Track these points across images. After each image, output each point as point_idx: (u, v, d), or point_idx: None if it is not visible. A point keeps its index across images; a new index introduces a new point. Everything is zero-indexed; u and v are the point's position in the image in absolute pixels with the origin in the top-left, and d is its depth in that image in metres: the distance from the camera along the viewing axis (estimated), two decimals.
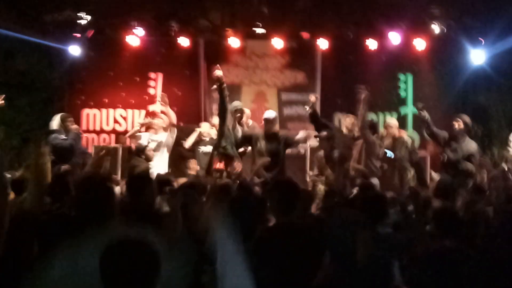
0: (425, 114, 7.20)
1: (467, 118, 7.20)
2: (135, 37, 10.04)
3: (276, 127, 7.54)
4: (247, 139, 7.42)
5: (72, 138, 7.79)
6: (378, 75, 10.32)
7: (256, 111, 10.75)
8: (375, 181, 6.79)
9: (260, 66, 10.95)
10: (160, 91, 10.80)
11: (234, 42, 10.20)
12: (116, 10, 9.88)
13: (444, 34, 9.87)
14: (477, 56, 9.86)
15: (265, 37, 10.32)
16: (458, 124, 7.06)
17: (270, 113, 7.47)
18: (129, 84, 10.78)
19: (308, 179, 8.15)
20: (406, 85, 10.83)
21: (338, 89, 10.46)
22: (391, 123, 8.15)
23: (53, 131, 7.85)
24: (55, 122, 7.98)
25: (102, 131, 10.89)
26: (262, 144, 7.15)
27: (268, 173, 6.88)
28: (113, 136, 10.98)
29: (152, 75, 10.92)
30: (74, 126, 8.17)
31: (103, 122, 10.98)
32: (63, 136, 7.73)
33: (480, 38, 9.81)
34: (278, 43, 10.20)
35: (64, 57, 10.24)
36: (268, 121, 7.31)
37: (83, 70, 10.64)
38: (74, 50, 10.08)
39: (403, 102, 10.81)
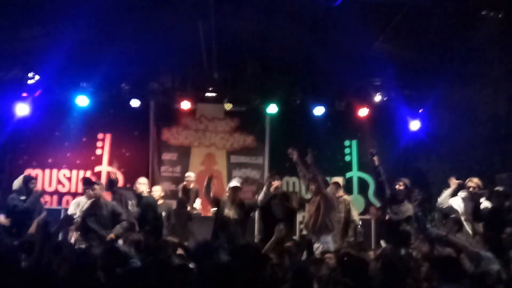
0: (376, 160, 7.43)
1: (407, 181, 7.50)
2: (84, 98, 9.97)
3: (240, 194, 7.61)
4: (215, 202, 7.46)
5: (31, 201, 7.52)
6: (325, 140, 10.67)
7: (205, 173, 10.79)
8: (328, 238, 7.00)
9: (209, 128, 11.09)
10: (108, 152, 10.69)
11: (184, 104, 10.33)
12: (65, 70, 9.81)
13: (386, 103, 10.44)
14: (415, 124, 10.44)
15: (215, 101, 10.54)
16: (399, 185, 7.35)
17: (235, 182, 7.57)
18: (75, 144, 10.59)
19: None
20: (351, 150, 11.25)
21: (286, 152, 10.66)
22: (338, 181, 8.39)
23: (13, 191, 7.59)
24: (17, 182, 7.71)
25: (44, 191, 10.49)
26: (229, 211, 7.21)
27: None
28: (55, 197, 10.63)
29: (100, 135, 10.81)
30: (36, 189, 7.91)
31: (45, 182, 10.63)
32: (22, 197, 7.48)
33: (418, 108, 10.42)
34: (228, 107, 10.41)
35: (8, 116, 9.96)
36: (235, 189, 7.39)
37: (28, 130, 10.37)
38: (21, 109, 9.84)
39: (348, 166, 11.16)
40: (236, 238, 6.87)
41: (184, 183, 9.45)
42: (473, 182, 6.97)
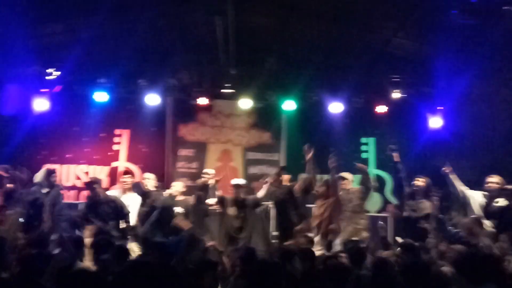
0: (397, 156, 7.36)
1: (427, 179, 7.42)
2: (103, 94, 10.03)
3: (244, 192, 7.61)
4: (220, 201, 7.49)
5: (53, 194, 7.60)
6: (342, 137, 10.60)
7: (222, 169, 10.80)
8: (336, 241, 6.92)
9: (226, 125, 11.10)
10: (126, 148, 10.77)
11: (201, 101, 10.34)
12: (85, 66, 9.90)
13: (404, 100, 10.32)
14: (434, 121, 10.32)
15: (232, 97, 10.53)
16: (418, 183, 7.28)
17: (239, 180, 7.60)
18: (93, 140, 10.68)
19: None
20: (369, 148, 11.15)
21: (302, 149, 10.63)
22: (347, 176, 8.28)
23: (35, 184, 7.71)
24: (40, 175, 7.82)
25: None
26: (231, 210, 7.24)
27: (237, 236, 6.97)
28: (72, 192, 10.74)
29: (118, 131, 10.88)
30: (58, 182, 8.03)
31: (63, 177, 10.74)
32: (44, 190, 7.59)
33: (438, 105, 10.29)
34: (245, 103, 10.40)
35: (28, 111, 10.09)
36: (237, 187, 7.39)
37: (47, 125, 10.48)
38: (40, 104, 9.95)
39: (365, 164, 11.04)
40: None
41: (203, 179, 9.43)
42: (492, 178, 6.84)
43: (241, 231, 7.24)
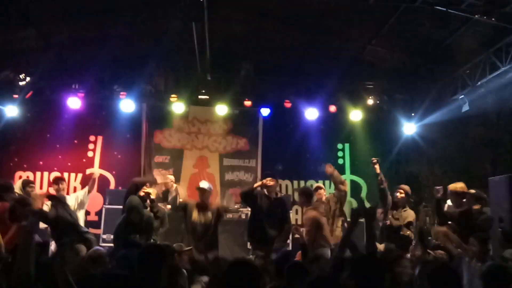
0: (378, 168, 7.46)
1: (407, 188, 7.55)
2: (76, 100, 9.89)
3: (209, 198, 7.44)
4: (182, 207, 7.34)
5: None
6: (317, 143, 10.70)
7: (198, 175, 10.77)
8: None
9: (202, 131, 11.06)
10: (100, 155, 10.63)
11: (177, 107, 10.29)
12: (58, 72, 9.75)
13: (378, 106, 10.48)
14: (408, 127, 10.50)
15: (208, 104, 10.51)
16: (400, 193, 7.39)
17: (204, 184, 7.40)
18: (67, 146, 10.50)
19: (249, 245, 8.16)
20: (344, 153, 11.27)
21: (278, 156, 10.71)
22: (321, 186, 8.33)
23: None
24: (16, 186, 7.58)
25: None
26: (195, 215, 7.10)
27: (199, 244, 6.83)
28: (45, 200, 10.51)
29: (92, 138, 10.73)
30: (34, 193, 7.75)
31: (36, 185, 10.52)
32: None
33: (411, 111, 10.48)
34: (221, 109, 10.39)
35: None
36: (202, 191, 7.24)
37: (19, 132, 10.28)
38: (11, 111, 9.76)
39: (341, 169, 11.16)
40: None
41: (165, 187, 9.37)
42: (454, 186, 6.98)
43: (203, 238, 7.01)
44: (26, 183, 7.48)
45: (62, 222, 6.26)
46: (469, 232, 6.09)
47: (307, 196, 7.46)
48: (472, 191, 6.76)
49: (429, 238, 7.11)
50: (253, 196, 7.30)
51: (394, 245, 6.63)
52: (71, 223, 6.32)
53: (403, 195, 7.37)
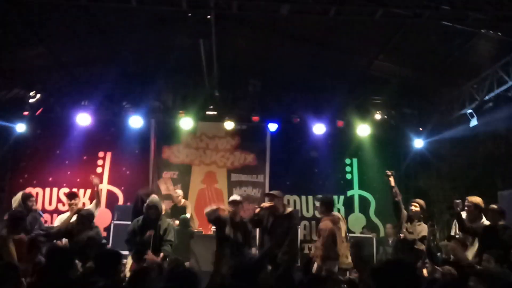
0: (392, 181, 7.42)
1: (422, 202, 7.52)
2: (86, 116, 9.99)
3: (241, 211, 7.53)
4: (216, 221, 7.36)
5: (29, 220, 7.37)
6: (325, 158, 10.68)
7: (206, 190, 10.79)
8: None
9: (210, 147, 11.11)
10: (108, 170, 10.70)
11: (185, 123, 10.35)
12: (67, 89, 9.87)
13: (386, 121, 10.46)
14: (417, 142, 10.46)
15: (216, 119, 10.56)
16: (414, 206, 7.37)
17: (236, 196, 7.53)
18: (76, 162, 10.59)
19: None
20: (352, 168, 11.23)
21: (286, 171, 10.71)
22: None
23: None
24: (16, 200, 7.62)
25: (44, 210, 10.47)
26: (229, 229, 7.13)
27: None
28: (55, 216, 10.58)
29: (101, 154, 10.82)
30: (35, 207, 7.78)
31: (45, 201, 10.61)
32: None
33: (419, 126, 10.45)
34: (228, 125, 10.43)
35: (9, 134, 10.00)
36: (235, 204, 7.34)
37: (29, 148, 10.40)
38: (21, 128, 9.88)
39: (349, 184, 11.14)
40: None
41: (173, 202, 9.41)
42: (469, 200, 6.92)
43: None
44: (26, 197, 7.49)
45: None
46: (490, 248, 6.01)
47: (326, 205, 7.47)
48: (494, 206, 6.68)
49: (438, 254, 7.04)
50: (258, 221, 7.36)
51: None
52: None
53: (418, 208, 7.32)
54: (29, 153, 10.48)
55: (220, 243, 7.17)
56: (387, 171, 7.53)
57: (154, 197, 6.86)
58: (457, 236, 6.73)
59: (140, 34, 8.73)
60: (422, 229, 7.22)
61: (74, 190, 9.86)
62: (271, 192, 7.66)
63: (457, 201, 6.86)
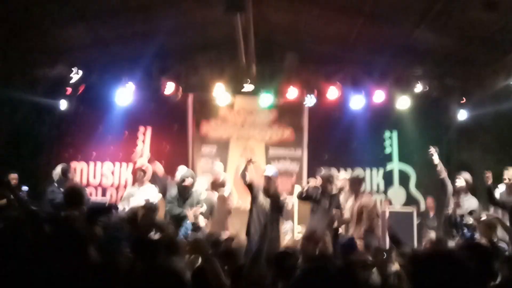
0: (436, 158, 7.34)
1: (468, 176, 7.38)
2: (126, 92, 10.17)
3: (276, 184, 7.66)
4: (250, 188, 7.52)
5: None
6: (364, 131, 10.53)
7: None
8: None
9: (248, 121, 11.13)
10: (149, 145, 10.91)
11: (222, 98, 10.39)
12: (107, 66, 10.05)
13: (427, 92, 10.18)
14: (459, 114, 10.16)
15: (253, 94, 10.55)
16: (460, 181, 7.26)
17: (269, 171, 7.66)
18: (118, 138, 10.85)
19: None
20: (391, 142, 11.05)
21: (325, 145, 10.64)
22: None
23: (53, 182, 7.77)
24: (56, 173, 7.87)
25: (88, 184, 10.84)
26: (263, 200, 7.29)
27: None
28: (99, 189, 10.94)
29: (141, 129, 11.03)
30: (75, 179, 8.09)
31: (90, 175, 10.96)
32: (62, 189, 7.33)
33: (462, 97, 10.13)
34: (266, 99, 10.41)
35: (54, 111, 10.33)
36: (269, 179, 7.48)
37: (72, 124, 10.72)
38: (64, 105, 10.20)
39: (389, 158, 10.98)
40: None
41: (213, 178, 9.52)
42: (509, 172, 6.74)
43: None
44: (66, 170, 7.76)
45: None
46: None
47: (359, 183, 7.51)
48: None
49: None
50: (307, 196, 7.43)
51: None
52: None
53: (463, 183, 7.23)
54: (73, 130, 10.80)
55: (251, 211, 7.34)
56: (430, 148, 7.40)
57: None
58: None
59: (177, 10, 8.76)
60: (471, 203, 7.10)
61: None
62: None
63: (488, 173, 6.71)
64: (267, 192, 7.47)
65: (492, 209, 7.27)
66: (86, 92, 10.27)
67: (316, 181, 7.77)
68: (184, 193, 7.80)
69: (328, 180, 7.53)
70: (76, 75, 9.86)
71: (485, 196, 7.34)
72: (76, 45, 9.36)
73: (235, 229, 8.25)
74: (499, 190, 7.31)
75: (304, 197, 7.66)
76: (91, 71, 10.07)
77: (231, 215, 9.00)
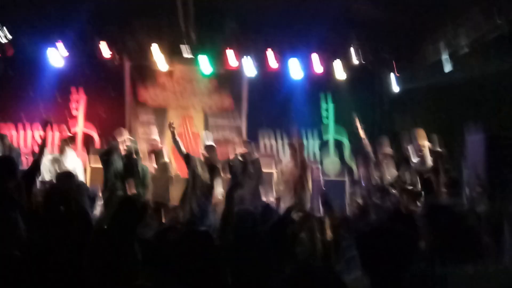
0: (361, 132, 7.62)
1: (387, 141, 7.72)
2: (58, 56, 9.75)
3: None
4: (186, 159, 7.45)
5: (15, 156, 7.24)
6: (302, 102, 10.69)
7: (183, 135, 10.77)
8: None
9: (187, 90, 11.00)
10: (83, 112, 10.57)
11: (161, 65, 10.19)
12: (39, 28, 9.57)
13: (363, 65, 10.44)
14: (393, 87, 10.53)
15: (193, 62, 10.41)
16: (383, 150, 7.59)
17: (211, 141, 7.70)
18: (50, 103, 10.41)
19: None
20: (328, 112, 11.28)
21: (263, 115, 10.73)
22: None
23: None
24: None
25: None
26: (202, 171, 7.26)
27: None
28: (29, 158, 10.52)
29: (76, 96, 10.64)
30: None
31: (20, 143, 10.50)
32: None
33: (396, 72, 10.49)
34: (206, 68, 10.30)
35: None
36: (210, 149, 7.46)
37: (1, 89, 10.18)
38: None
39: (325, 129, 11.23)
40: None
41: (151, 147, 9.36)
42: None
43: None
44: (2, 137, 7.44)
45: None
46: None
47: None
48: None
49: None
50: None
51: None
52: None
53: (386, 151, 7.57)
54: (1, 94, 10.26)
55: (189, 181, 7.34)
56: (356, 121, 7.68)
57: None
58: None
59: None
60: (391, 171, 7.44)
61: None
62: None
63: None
64: (208, 161, 7.43)
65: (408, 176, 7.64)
66: (15, 56, 9.75)
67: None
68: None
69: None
70: (4, 38, 9.32)
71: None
72: (6, 4, 8.83)
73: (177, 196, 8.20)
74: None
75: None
76: (21, 33, 9.55)
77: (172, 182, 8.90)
